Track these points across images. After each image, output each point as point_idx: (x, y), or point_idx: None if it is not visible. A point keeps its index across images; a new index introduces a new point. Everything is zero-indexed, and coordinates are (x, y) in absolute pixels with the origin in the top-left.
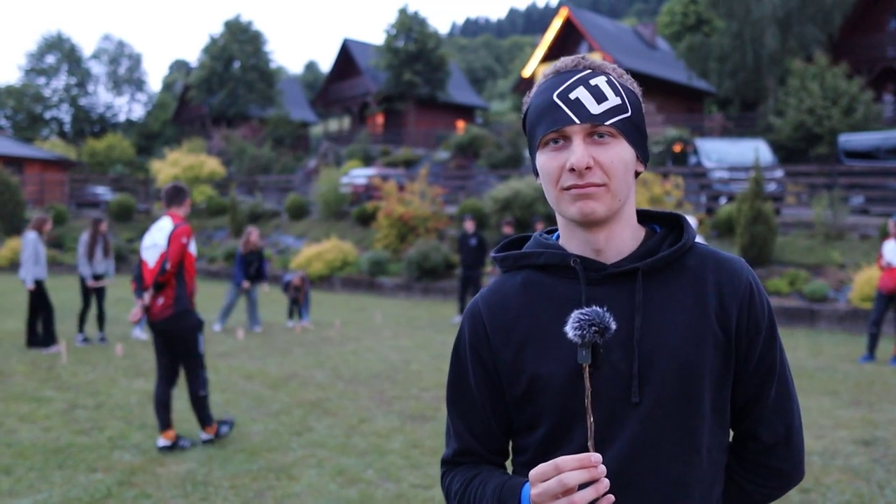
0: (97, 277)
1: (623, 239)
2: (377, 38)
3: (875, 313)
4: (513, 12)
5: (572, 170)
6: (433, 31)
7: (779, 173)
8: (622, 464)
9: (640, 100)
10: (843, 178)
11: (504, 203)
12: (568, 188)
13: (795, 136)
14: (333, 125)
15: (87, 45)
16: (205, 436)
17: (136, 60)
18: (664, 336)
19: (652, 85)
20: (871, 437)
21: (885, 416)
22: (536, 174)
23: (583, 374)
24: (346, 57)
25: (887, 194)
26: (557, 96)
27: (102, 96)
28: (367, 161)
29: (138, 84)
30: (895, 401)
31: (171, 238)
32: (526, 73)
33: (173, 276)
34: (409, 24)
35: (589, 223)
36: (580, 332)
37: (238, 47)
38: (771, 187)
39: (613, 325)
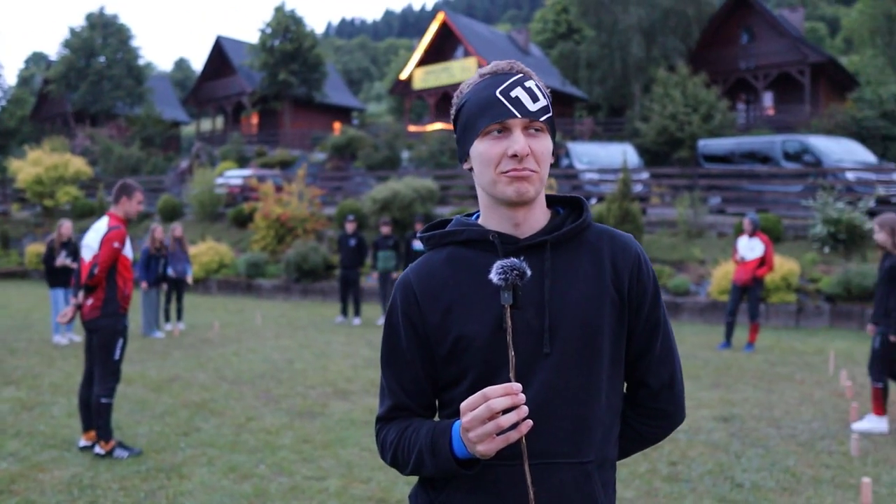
0: None
1: (536, 217)
2: (252, 36)
3: (731, 304)
4: (388, 14)
5: (514, 156)
6: (310, 30)
7: (645, 175)
8: (537, 405)
9: (552, 103)
10: (703, 180)
11: (383, 203)
12: (506, 171)
13: (659, 140)
14: (206, 125)
15: None
16: (97, 449)
17: None
18: (569, 297)
19: None
20: (729, 415)
21: (741, 396)
22: (462, 160)
23: (503, 323)
24: (220, 55)
25: (741, 195)
26: (500, 93)
27: None
28: (242, 162)
29: None
30: (749, 382)
31: (103, 242)
32: (403, 75)
33: (104, 279)
34: (286, 23)
35: (521, 202)
36: (503, 275)
37: (102, 41)
38: (637, 188)
39: (529, 272)
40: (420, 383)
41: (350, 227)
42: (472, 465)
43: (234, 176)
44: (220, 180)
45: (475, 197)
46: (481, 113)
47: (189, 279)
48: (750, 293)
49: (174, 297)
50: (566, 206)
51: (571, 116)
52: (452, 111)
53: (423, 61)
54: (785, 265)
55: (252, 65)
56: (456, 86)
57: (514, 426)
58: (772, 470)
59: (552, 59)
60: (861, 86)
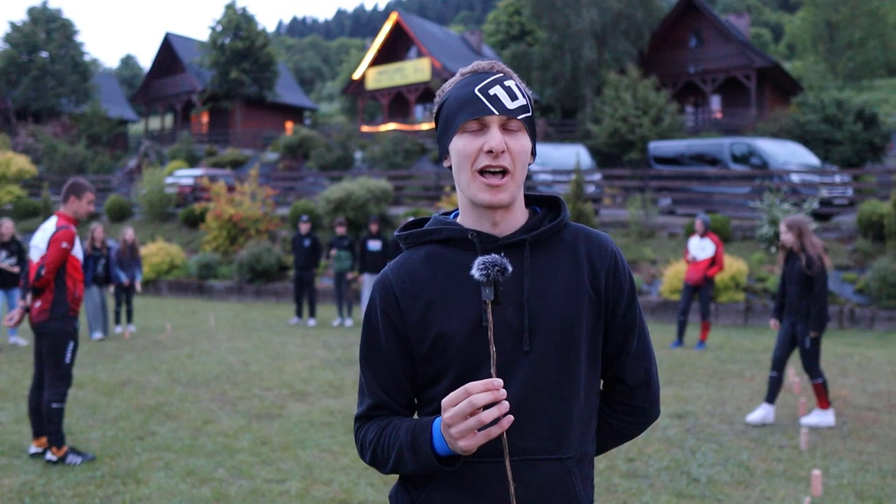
0: None
1: (515, 216)
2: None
3: (682, 303)
4: (340, 14)
5: (490, 151)
6: (262, 29)
7: (597, 176)
8: (518, 403)
9: (533, 104)
10: (654, 182)
11: (337, 204)
12: (482, 170)
13: (611, 142)
14: (155, 123)
15: None
16: (49, 455)
17: None
18: (548, 295)
19: None
20: (683, 411)
21: (694, 393)
22: (442, 157)
23: (483, 320)
24: (169, 52)
25: (691, 196)
26: (479, 91)
27: None
28: (192, 161)
29: None
30: (701, 379)
31: (50, 242)
32: (356, 75)
33: (52, 281)
34: (237, 21)
35: (495, 208)
36: (485, 271)
37: (45, 35)
38: (590, 189)
39: (510, 267)
40: (399, 382)
41: (304, 227)
42: (452, 461)
43: (184, 175)
44: (170, 180)
45: (429, 198)
46: (460, 109)
47: (138, 285)
48: (701, 292)
49: (123, 300)
50: (544, 205)
51: None
52: (434, 109)
53: (376, 61)
54: (733, 265)
55: (202, 63)
56: (409, 86)
57: (496, 422)
58: (726, 464)
59: (504, 60)
60: (804, 90)
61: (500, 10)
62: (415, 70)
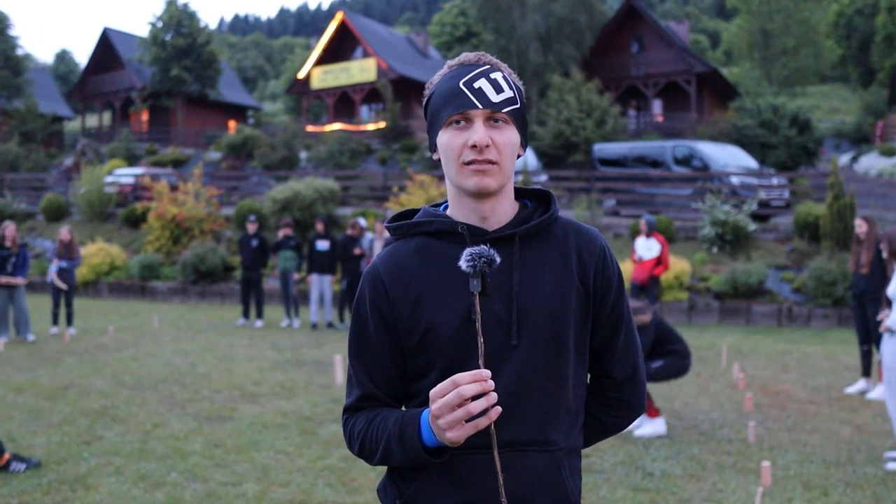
0: None
1: (504, 210)
2: (142, 29)
3: None
4: (284, 12)
5: (474, 146)
6: (204, 25)
7: (543, 178)
8: (507, 396)
9: (524, 95)
10: (599, 183)
11: (284, 204)
12: (468, 163)
13: (556, 143)
14: (92, 121)
15: None
16: None
17: None
18: (537, 289)
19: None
20: None
21: None
22: (431, 150)
23: (472, 313)
24: (107, 48)
25: (635, 197)
26: (463, 84)
27: None
28: (131, 160)
29: None
30: None
31: None
32: (301, 74)
33: None
34: (178, 17)
35: (482, 195)
36: (472, 262)
37: None
38: None
39: (498, 259)
40: (388, 373)
41: (252, 227)
42: (441, 453)
43: (125, 174)
44: (109, 179)
45: (376, 198)
46: (444, 104)
47: (60, 283)
48: (648, 291)
49: (62, 302)
50: (534, 198)
51: None
52: (423, 101)
53: (322, 60)
54: (677, 265)
55: (142, 59)
56: (355, 86)
57: (484, 413)
58: (678, 458)
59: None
60: (741, 96)
61: (446, 11)
62: (361, 70)
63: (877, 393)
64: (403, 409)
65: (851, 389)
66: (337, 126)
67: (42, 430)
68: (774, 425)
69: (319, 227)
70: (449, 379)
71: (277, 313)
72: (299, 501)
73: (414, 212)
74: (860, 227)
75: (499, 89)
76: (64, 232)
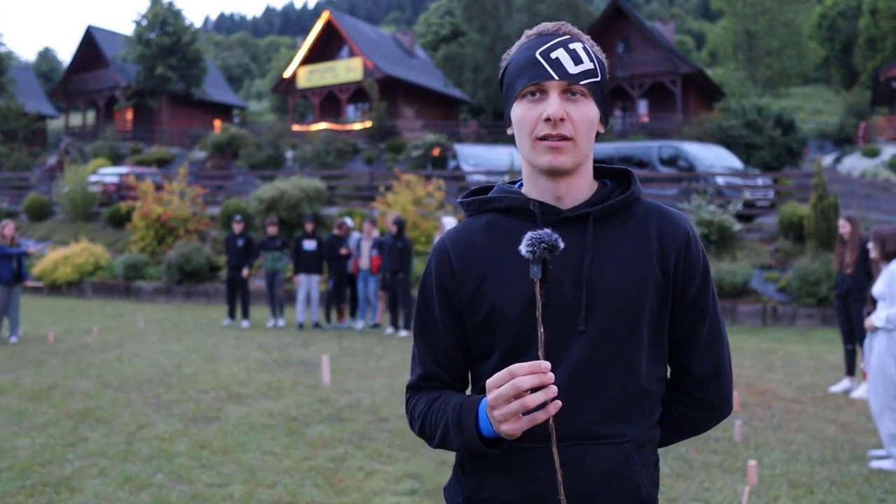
0: None
1: (580, 189)
2: (126, 27)
3: None
4: (269, 11)
5: (548, 119)
6: (189, 24)
7: None
8: (570, 384)
9: (607, 69)
10: None
11: (269, 203)
12: (542, 138)
13: None
14: (76, 119)
15: None
16: None
17: None
18: (610, 274)
19: (411, 91)
20: None
21: None
22: (507, 124)
23: (535, 291)
24: (91, 46)
25: None
26: (540, 54)
27: None
28: (116, 159)
29: None
30: None
31: None
32: (287, 73)
33: None
34: (163, 16)
35: (556, 173)
36: (531, 248)
37: None
38: None
39: (561, 244)
40: (452, 353)
41: (237, 227)
42: (498, 444)
43: (109, 173)
44: (93, 178)
45: (363, 198)
46: (519, 74)
47: None
48: None
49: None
50: (614, 178)
51: (456, 119)
52: (500, 73)
53: (308, 60)
54: None
55: (126, 58)
56: (341, 85)
57: (542, 406)
58: (665, 458)
59: (437, 61)
60: (726, 96)
61: (432, 11)
62: (347, 70)
63: (861, 392)
64: (469, 392)
65: (836, 388)
66: (323, 125)
67: (25, 431)
68: (760, 424)
69: (308, 226)
70: (506, 369)
71: (263, 313)
72: (286, 502)
73: (489, 188)
74: (843, 227)
75: (577, 60)
76: (9, 227)
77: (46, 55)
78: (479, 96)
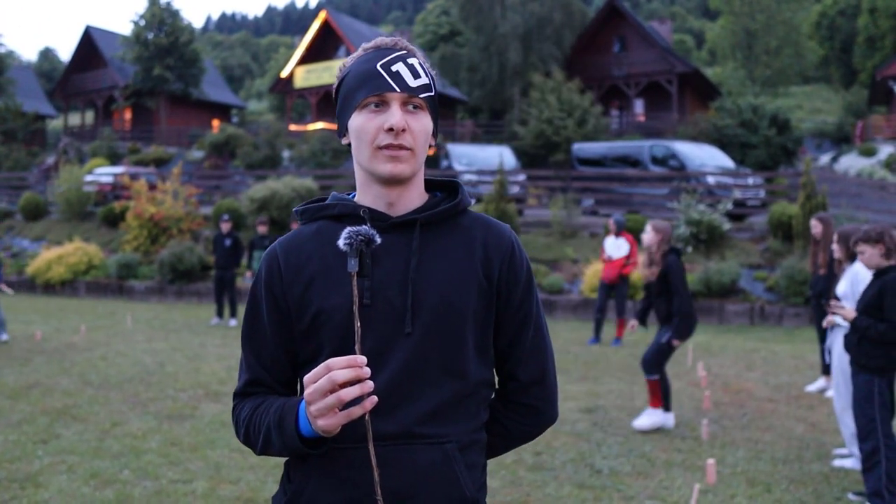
0: None
1: (412, 198)
2: (124, 27)
3: (599, 301)
4: (270, 11)
5: (390, 130)
6: (186, 24)
7: (521, 177)
8: (395, 384)
9: (437, 84)
10: (577, 183)
11: (261, 203)
12: (383, 147)
13: (537, 143)
14: (75, 119)
15: None
16: None
17: None
18: (435, 278)
19: None
20: (594, 406)
21: (606, 388)
22: (341, 134)
23: (364, 298)
24: (90, 46)
25: (613, 197)
26: (381, 66)
27: None
28: (114, 159)
29: None
30: (615, 375)
31: None
32: (284, 73)
33: None
34: (161, 16)
35: (393, 181)
36: (349, 240)
37: None
38: (514, 190)
39: (378, 239)
40: (278, 358)
41: (225, 226)
42: (319, 444)
43: (104, 173)
44: (89, 178)
45: None
46: (360, 85)
47: None
48: (617, 290)
49: None
50: (444, 189)
51: (453, 118)
52: (335, 83)
53: (305, 60)
54: None
55: (124, 58)
56: None
57: (358, 402)
58: (629, 456)
59: (434, 61)
60: (722, 96)
61: (429, 11)
62: None
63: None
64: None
65: (811, 387)
66: (320, 125)
67: (0, 429)
68: (730, 423)
69: (294, 226)
70: (323, 363)
71: None
72: (247, 499)
73: (325, 198)
74: (815, 227)
75: (416, 74)
76: None
77: (48, 55)
78: (475, 96)
